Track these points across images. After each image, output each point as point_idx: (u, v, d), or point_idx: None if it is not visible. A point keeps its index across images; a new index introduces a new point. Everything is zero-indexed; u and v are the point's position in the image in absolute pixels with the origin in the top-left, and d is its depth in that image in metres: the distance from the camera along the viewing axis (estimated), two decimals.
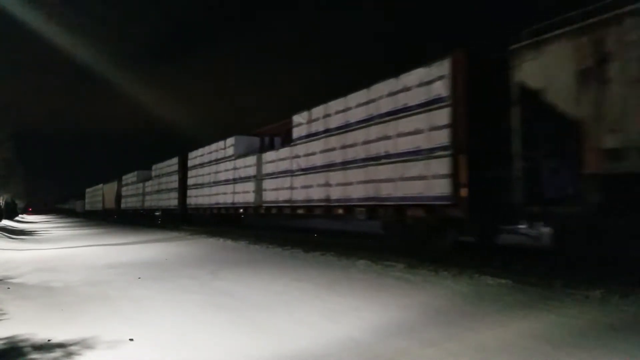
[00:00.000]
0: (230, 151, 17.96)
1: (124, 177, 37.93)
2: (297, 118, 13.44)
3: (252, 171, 15.93)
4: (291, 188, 13.44)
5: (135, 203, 33.15)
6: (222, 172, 18.47)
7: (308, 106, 13.58)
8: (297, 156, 13.18)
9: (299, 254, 10.36)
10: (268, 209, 14.99)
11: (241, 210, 17.16)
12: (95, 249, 12.97)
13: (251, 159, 16.14)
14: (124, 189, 37.65)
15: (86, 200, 61.26)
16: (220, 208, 18.99)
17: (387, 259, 8.63)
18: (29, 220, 46.22)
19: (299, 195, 12.99)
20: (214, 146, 19.73)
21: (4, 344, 3.99)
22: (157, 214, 28.46)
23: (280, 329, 4.42)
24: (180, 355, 3.70)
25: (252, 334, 4.24)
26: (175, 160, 24.93)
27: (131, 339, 4.04)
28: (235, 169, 17.30)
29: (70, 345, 3.91)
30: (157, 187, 27.78)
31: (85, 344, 3.93)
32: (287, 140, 14.68)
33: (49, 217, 65.29)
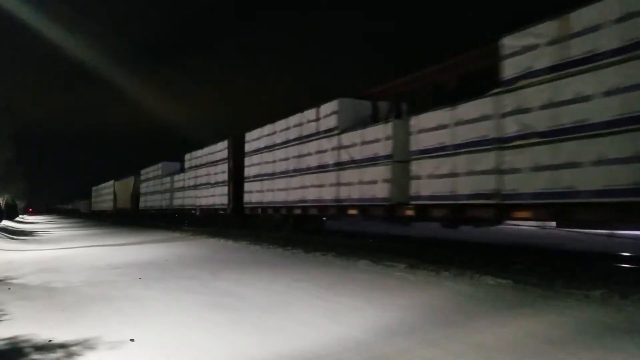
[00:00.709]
0: (330, 122, 11.62)
1: (142, 172, 31.72)
2: (516, 39, 7.09)
3: (381, 149, 9.80)
4: (499, 172, 7.22)
5: (160, 202, 27.17)
6: (313, 154, 12.30)
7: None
8: (520, 110, 6.93)
9: (299, 254, 10.37)
10: (424, 209, 8.92)
11: (353, 211, 10.91)
12: (96, 249, 12.98)
13: (378, 131, 9.93)
14: (143, 185, 31.47)
15: (93, 200, 56.17)
16: (307, 207, 12.66)
17: (388, 259, 8.63)
18: (30, 221, 46.25)
19: (524, 185, 6.82)
20: (294, 118, 13.37)
21: (5, 344, 4.00)
22: (196, 213, 21.84)
23: (281, 328, 4.43)
24: (182, 355, 3.71)
25: (254, 334, 4.25)
26: (223, 144, 18.71)
27: (132, 340, 4.05)
28: (340, 148, 11.16)
29: (72, 345, 3.92)
30: (194, 181, 21.63)
31: (87, 345, 3.94)
32: (418, 103, 9.91)
33: (50, 217, 65.29)
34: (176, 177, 24.52)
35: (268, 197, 14.81)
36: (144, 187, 31.39)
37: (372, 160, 10.11)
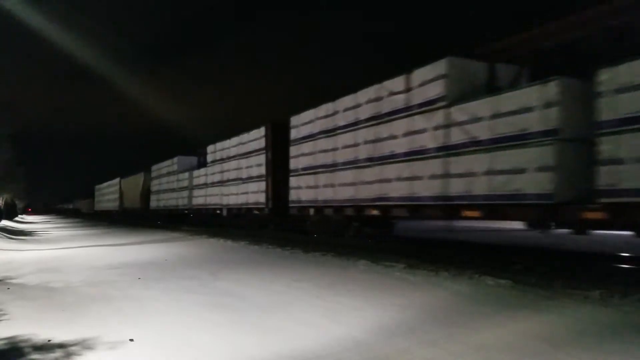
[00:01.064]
0: (430, 92, 8.64)
1: (154, 168, 29.01)
2: None
3: (534, 122, 6.94)
4: None
5: (176, 200, 24.42)
6: (400, 137, 9.40)
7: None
8: None
9: (299, 254, 10.36)
10: (624, 210, 6.03)
11: (473, 212, 8.02)
12: (95, 249, 12.97)
13: (528, 96, 7.07)
14: (154, 182, 28.70)
15: (96, 199, 53.39)
16: (390, 206, 9.78)
17: (387, 259, 8.63)
18: (29, 221, 46.21)
19: None
20: (367, 92, 10.44)
21: (5, 344, 4.00)
22: (222, 213, 18.79)
23: (281, 328, 4.43)
24: (182, 355, 3.71)
25: (254, 334, 4.25)
26: (258, 132, 15.82)
27: (131, 340, 4.05)
28: (449, 125, 8.28)
29: (71, 345, 3.92)
30: (219, 176, 18.96)
31: (86, 345, 3.93)
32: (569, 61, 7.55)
33: (49, 217, 65.20)
34: (196, 173, 21.94)
35: (326, 194, 11.91)
36: (155, 185, 28.60)
37: (517, 140, 7.19)
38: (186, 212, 23.27)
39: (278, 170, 14.57)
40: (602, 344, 3.78)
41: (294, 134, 13.68)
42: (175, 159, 25.07)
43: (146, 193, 30.46)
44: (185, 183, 23.07)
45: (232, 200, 17.70)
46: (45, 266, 9.11)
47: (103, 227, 27.54)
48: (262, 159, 15.60)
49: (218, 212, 19.13)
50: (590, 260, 8.30)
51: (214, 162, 19.81)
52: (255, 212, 15.88)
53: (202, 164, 22.13)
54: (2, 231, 21.68)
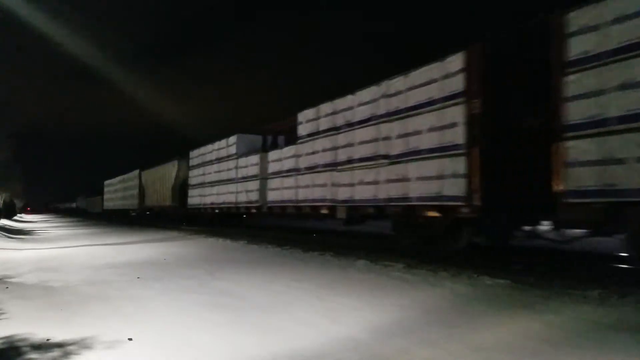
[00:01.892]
0: None
1: (193, 153, 22.19)
2: None
3: None
4: None
5: (235, 195, 17.45)
6: None
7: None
8: None
9: (298, 253, 10.36)
10: None
11: None
12: (94, 248, 12.96)
13: None
14: (194, 172, 21.86)
15: (105, 197, 46.06)
16: None
17: (386, 259, 8.63)
18: (28, 220, 46.17)
19: None
20: None
21: (3, 343, 3.99)
22: (335, 215, 11.64)
23: (281, 328, 4.42)
24: (182, 355, 3.70)
25: (254, 334, 4.25)
26: (441, 67, 8.41)
27: (130, 339, 4.04)
28: None
29: (69, 344, 3.91)
30: (329, 156, 11.76)
31: (84, 344, 3.93)
32: None
33: (49, 216, 65.11)
34: (273, 155, 14.99)
35: None
36: (196, 176, 21.65)
37: None
38: (254, 211, 16.43)
39: (499, 134, 7.93)
40: (601, 344, 3.78)
41: (582, 45, 6.16)
42: (233, 138, 17.94)
43: (181, 187, 23.38)
44: (254, 170, 16.14)
45: (361, 194, 10.46)
46: (44, 265, 9.10)
47: (102, 226, 27.53)
48: (452, 115, 8.20)
49: (325, 212, 12.22)
50: (589, 260, 8.30)
51: (313, 135, 12.73)
52: (431, 213, 8.76)
53: (273, 144, 16.48)
54: (1, 230, 21.66)
